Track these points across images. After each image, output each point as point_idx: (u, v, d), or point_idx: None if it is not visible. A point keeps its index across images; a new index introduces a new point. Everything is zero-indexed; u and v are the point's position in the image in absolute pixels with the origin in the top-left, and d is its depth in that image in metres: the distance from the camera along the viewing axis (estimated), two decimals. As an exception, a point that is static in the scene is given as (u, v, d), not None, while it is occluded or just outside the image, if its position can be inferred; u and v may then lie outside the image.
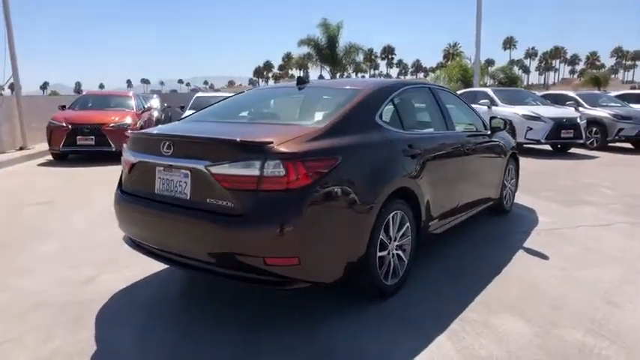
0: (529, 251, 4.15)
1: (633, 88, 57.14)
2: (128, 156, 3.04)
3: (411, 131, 3.48)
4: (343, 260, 2.69)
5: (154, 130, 3.28)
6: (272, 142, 2.47)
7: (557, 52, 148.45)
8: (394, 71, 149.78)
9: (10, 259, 4.02)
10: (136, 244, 3.16)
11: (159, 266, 3.58)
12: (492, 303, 3.08)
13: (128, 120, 10.07)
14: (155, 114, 13.07)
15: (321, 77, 37.55)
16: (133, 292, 3.33)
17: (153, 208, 2.83)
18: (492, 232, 4.81)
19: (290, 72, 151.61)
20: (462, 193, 4.12)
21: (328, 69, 39.57)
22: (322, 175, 2.51)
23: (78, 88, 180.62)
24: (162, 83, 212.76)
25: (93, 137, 9.60)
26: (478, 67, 17.70)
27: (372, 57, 38.07)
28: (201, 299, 3.24)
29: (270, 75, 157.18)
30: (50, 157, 10.22)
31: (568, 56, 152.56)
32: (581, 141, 11.47)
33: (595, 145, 12.51)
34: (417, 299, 3.15)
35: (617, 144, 12.73)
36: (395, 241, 3.11)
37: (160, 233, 2.85)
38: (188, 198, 2.67)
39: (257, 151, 2.45)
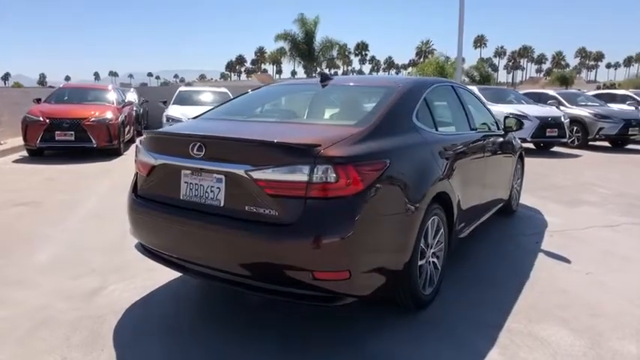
0: (549, 254, 4.08)
1: (598, 87, 59.11)
2: (146, 157, 2.77)
3: (443, 132, 3.33)
4: (391, 271, 2.51)
5: (180, 129, 3.01)
6: (320, 145, 2.26)
7: (525, 52, 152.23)
8: (367, 67, 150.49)
9: (0, 269, 3.66)
10: (151, 253, 2.90)
11: (168, 275, 3.35)
12: (530, 311, 2.97)
13: (109, 115, 9.59)
14: (135, 109, 12.56)
15: (309, 73, 37.25)
16: (147, 304, 3.06)
17: (177, 216, 2.58)
18: (506, 234, 4.73)
19: (263, 67, 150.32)
20: (482, 195, 4.02)
21: (302, 64, 39.39)
22: (374, 180, 2.32)
23: (42, 80, 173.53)
24: (130, 76, 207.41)
25: (72, 132, 9.08)
26: (460, 65, 17.79)
27: (346, 53, 37.90)
28: (223, 311, 3.00)
29: (242, 70, 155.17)
30: (25, 153, 9.63)
31: (535, 55, 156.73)
32: (565, 140, 11.69)
33: (576, 143, 12.77)
34: (453, 308, 3.00)
35: (597, 143, 13.03)
36: (431, 248, 2.96)
37: (185, 243, 2.60)
38: (222, 205, 2.43)
39: (305, 154, 2.24)
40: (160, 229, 2.72)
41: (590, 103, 14.04)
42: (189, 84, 35.09)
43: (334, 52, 36.58)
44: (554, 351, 2.52)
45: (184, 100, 10.92)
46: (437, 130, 3.22)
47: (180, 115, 9.79)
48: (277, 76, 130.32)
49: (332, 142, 2.32)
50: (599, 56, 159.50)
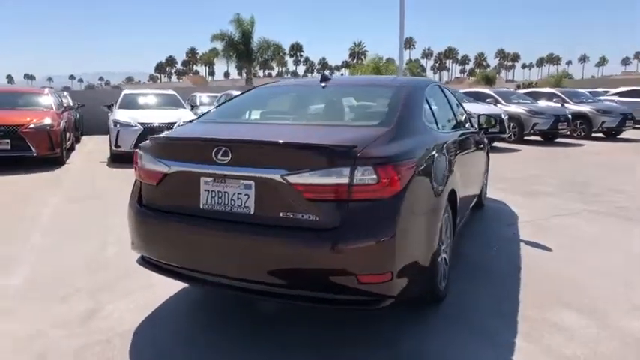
0: (529, 244, 4.31)
1: (518, 86, 63.40)
2: (155, 165, 2.57)
3: (443, 130, 3.41)
4: (422, 268, 2.53)
5: (195, 133, 2.83)
6: (356, 146, 2.23)
7: (450, 53, 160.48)
8: (301, 69, 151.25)
9: (-33, 296, 3.25)
10: (155, 266, 2.72)
11: (168, 289, 3.20)
12: (536, 298, 3.12)
13: (48, 121, 8.84)
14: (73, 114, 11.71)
15: (247, 74, 36.69)
16: (155, 323, 2.85)
17: (197, 226, 2.43)
18: (484, 227, 4.94)
19: (195, 68, 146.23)
20: (468, 190, 4.16)
21: (236, 65, 38.63)
22: (408, 180, 2.32)
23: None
24: (50, 79, 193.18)
25: (8, 141, 8.28)
26: (402, 66, 18.38)
27: (281, 54, 37.75)
28: (237, 319, 2.86)
29: (173, 71, 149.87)
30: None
31: (459, 57, 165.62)
32: (505, 135, 12.46)
33: (513, 138, 13.65)
34: (465, 301, 3.09)
35: (531, 137, 14.01)
36: (443, 244, 3.02)
37: (206, 254, 2.45)
38: (252, 213, 2.32)
39: (345, 156, 2.19)
40: (173, 240, 2.54)
41: (522, 101, 15.06)
42: (117, 87, 33.25)
43: (271, 53, 36.31)
44: (571, 334, 2.66)
45: (131, 103, 10.33)
46: (438, 128, 3.29)
47: (129, 119, 9.26)
48: (210, 77, 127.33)
49: (367, 143, 2.29)
50: (516, 57, 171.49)
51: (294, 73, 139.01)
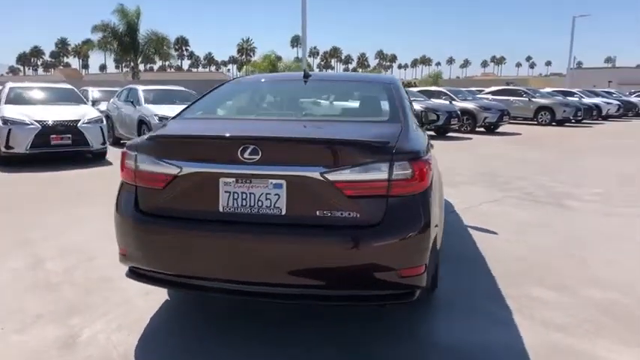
0: (476, 229, 4.70)
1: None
2: (160, 166, 2.31)
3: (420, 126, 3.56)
4: (435, 258, 2.62)
5: (215, 130, 2.58)
6: (389, 141, 2.25)
7: (335, 52, 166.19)
8: (186, 63, 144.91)
9: None
10: (152, 278, 2.47)
11: (150, 302, 2.98)
12: (509, 278, 3.42)
13: None
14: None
15: (134, 68, 33.99)
16: (152, 342, 2.57)
17: (216, 231, 2.25)
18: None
19: (65, 60, 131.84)
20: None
21: (114, 58, 35.66)
22: (431, 173, 2.40)
23: None
24: None
25: None
26: (305, 63, 18.64)
27: (166, 47, 35.76)
28: (244, 325, 2.70)
29: (39, 63, 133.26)
30: None
31: (343, 56, 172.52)
32: (456, 127, 14.81)
33: (467, 129, 15.78)
34: (449, 286, 3.27)
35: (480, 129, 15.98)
36: None
37: (226, 260, 2.27)
38: (283, 213, 2.20)
39: (382, 151, 2.19)
40: (185, 248, 2.31)
41: (469, 98, 17.38)
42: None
43: (161, 46, 34.15)
44: (553, 307, 2.99)
45: (20, 98, 8.98)
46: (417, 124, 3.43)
47: (22, 116, 8.07)
48: (84, 71, 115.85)
49: (395, 138, 2.31)
50: (394, 58, 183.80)
51: (179, 68, 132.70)
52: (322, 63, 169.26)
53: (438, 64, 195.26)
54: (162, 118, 9.49)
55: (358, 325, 2.73)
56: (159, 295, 3.05)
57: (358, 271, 2.18)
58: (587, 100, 22.58)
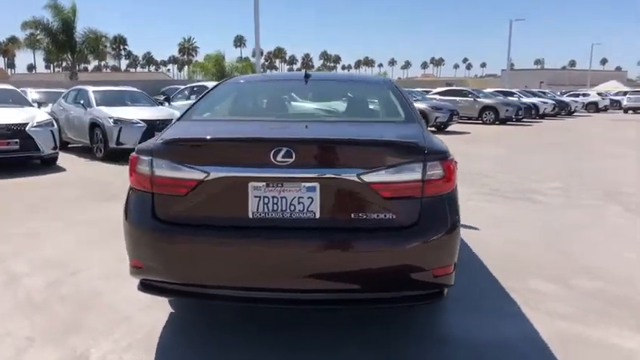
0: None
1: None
2: (182, 172, 2.18)
3: None
4: None
5: (242, 133, 2.45)
6: (419, 142, 2.24)
7: (279, 53, 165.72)
8: (124, 63, 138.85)
9: None
10: (167, 290, 2.34)
11: (154, 316, 2.82)
12: (505, 272, 3.54)
13: None
14: None
15: (71, 67, 32.05)
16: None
17: (246, 238, 2.15)
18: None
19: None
20: None
21: (43, 57, 33.55)
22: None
23: None
24: None
25: None
26: (259, 63, 18.40)
27: (102, 46, 33.89)
28: (271, 335, 2.60)
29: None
30: None
31: (287, 57, 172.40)
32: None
33: None
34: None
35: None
36: None
37: (256, 267, 2.17)
38: (317, 217, 2.14)
39: (416, 152, 2.18)
40: (210, 257, 2.19)
41: (419, 98, 17.66)
42: None
43: (101, 45, 32.42)
44: (554, 298, 3.12)
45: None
46: None
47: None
48: (10, 70, 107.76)
49: (422, 138, 2.32)
50: (337, 59, 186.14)
51: (115, 68, 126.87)
52: (266, 63, 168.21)
53: (381, 65, 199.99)
54: (117, 121, 9.03)
55: (378, 327, 2.71)
56: (161, 309, 2.88)
57: (394, 273, 2.16)
58: (525, 100, 23.97)
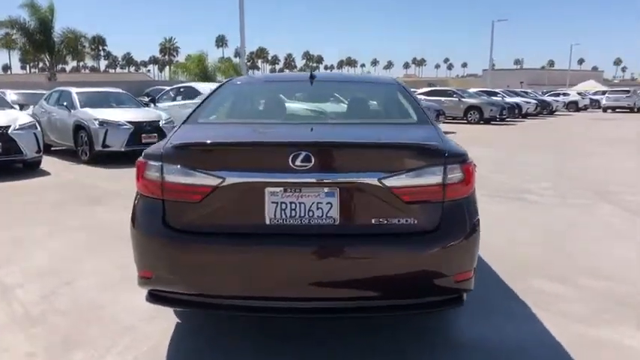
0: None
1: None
2: (195, 177, 2.09)
3: None
4: None
5: (258, 137, 2.35)
6: (438, 144, 2.20)
7: (261, 53, 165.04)
8: (103, 63, 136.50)
9: None
10: (176, 301, 2.24)
11: (153, 330, 2.69)
12: (510, 273, 3.53)
13: None
14: None
15: (50, 68, 31.28)
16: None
17: (263, 245, 2.07)
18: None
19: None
20: None
21: (19, 58, 32.63)
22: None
23: None
24: None
25: None
26: (244, 64, 18.24)
27: (80, 46, 32.98)
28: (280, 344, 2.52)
29: None
30: None
31: (270, 57, 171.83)
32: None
33: None
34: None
35: None
36: None
37: (274, 275, 2.10)
38: (337, 223, 2.07)
39: (436, 155, 2.13)
40: (226, 266, 2.10)
41: None
42: None
43: (80, 46, 31.74)
44: (561, 299, 3.12)
45: None
46: None
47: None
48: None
49: (440, 141, 2.27)
50: (320, 59, 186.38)
51: (94, 69, 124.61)
52: (249, 63, 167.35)
53: (363, 65, 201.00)
54: (103, 123, 8.82)
55: (389, 333, 2.66)
56: (166, 318, 2.78)
57: (417, 279, 2.11)
58: (509, 100, 24.29)
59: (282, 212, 2.08)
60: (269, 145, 2.19)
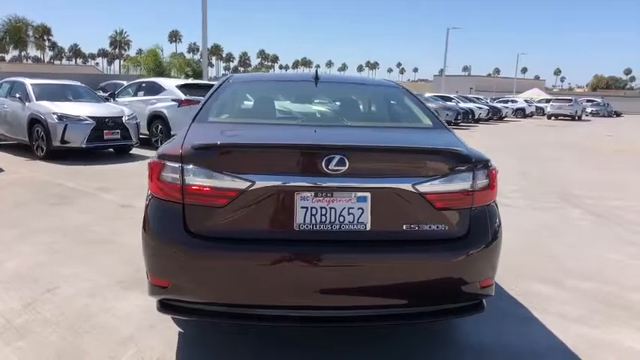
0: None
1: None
2: (221, 181, 1.97)
3: None
4: None
5: (288, 139, 2.25)
6: (465, 149, 2.20)
7: (216, 50, 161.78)
8: (47, 54, 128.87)
9: None
10: (190, 311, 2.12)
11: (155, 339, 2.56)
12: (506, 277, 3.59)
13: None
14: None
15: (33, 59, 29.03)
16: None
17: (292, 252, 1.99)
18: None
19: None
20: None
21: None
22: None
23: None
24: None
25: None
26: (206, 62, 17.79)
27: (25, 35, 30.82)
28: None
29: None
30: None
31: (224, 54, 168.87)
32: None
33: None
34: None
35: None
36: None
37: (305, 283, 2.02)
38: (368, 229, 2.03)
39: (466, 160, 2.13)
40: (252, 274, 2.00)
41: None
42: None
43: (30, 34, 29.91)
44: (554, 299, 3.23)
45: None
46: None
47: None
48: None
49: (464, 146, 2.28)
50: (275, 58, 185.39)
51: (37, 60, 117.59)
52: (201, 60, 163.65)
53: (318, 66, 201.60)
54: (62, 117, 8.30)
55: (396, 340, 2.65)
56: (168, 327, 2.63)
57: (447, 285, 2.10)
58: (463, 105, 25.17)
59: (312, 217, 2.01)
60: (303, 147, 2.10)
